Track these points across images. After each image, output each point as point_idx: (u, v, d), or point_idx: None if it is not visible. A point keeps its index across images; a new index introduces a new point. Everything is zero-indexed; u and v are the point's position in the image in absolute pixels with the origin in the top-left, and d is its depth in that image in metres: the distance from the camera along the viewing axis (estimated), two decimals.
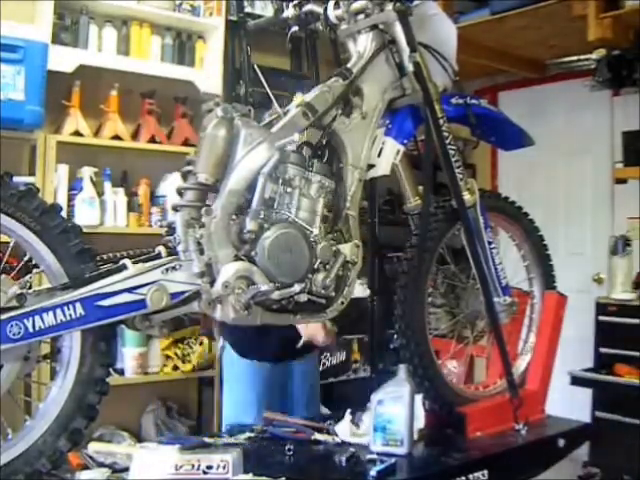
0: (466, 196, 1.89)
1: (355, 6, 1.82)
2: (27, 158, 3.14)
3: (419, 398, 1.78)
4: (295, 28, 1.99)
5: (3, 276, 1.44)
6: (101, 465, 1.66)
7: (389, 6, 1.80)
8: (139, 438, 3.21)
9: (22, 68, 2.83)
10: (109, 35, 3.31)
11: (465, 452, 1.75)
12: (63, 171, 3.11)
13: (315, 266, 1.63)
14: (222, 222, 1.54)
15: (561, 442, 1.94)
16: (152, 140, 3.36)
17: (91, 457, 1.70)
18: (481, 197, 1.93)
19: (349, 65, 1.79)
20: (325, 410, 2.98)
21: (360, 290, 3.10)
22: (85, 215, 3.09)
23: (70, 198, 3.11)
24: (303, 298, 1.62)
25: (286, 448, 1.69)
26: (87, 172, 3.16)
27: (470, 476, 1.66)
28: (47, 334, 1.42)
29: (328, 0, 1.86)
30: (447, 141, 1.85)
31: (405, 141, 1.84)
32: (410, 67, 1.80)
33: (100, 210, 3.17)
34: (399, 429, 1.68)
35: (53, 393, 1.49)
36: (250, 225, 1.56)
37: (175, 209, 1.58)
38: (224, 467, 1.47)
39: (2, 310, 1.38)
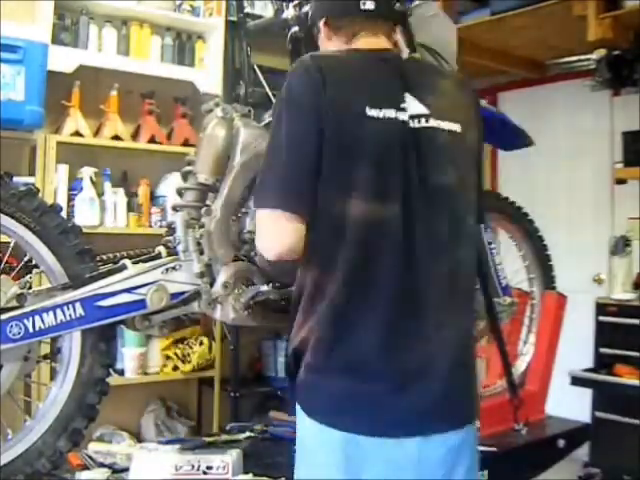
0: None
1: None
2: (27, 158, 3.13)
3: None
4: (295, 28, 1.98)
5: (3, 276, 1.44)
6: (101, 465, 1.66)
7: None
8: (139, 438, 3.21)
9: (22, 68, 2.83)
10: (109, 35, 3.30)
11: None
12: (63, 171, 3.10)
13: None
14: (222, 222, 1.54)
15: (561, 442, 1.94)
16: (152, 140, 3.35)
17: (91, 457, 1.70)
18: None
19: None
20: None
21: None
22: (85, 215, 3.09)
23: (70, 198, 3.11)
24: None
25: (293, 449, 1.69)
26: (87, 172, 3.15)
27: None
28: (47, 334, 1.42)
29: None
30: None
31: None
32: None
33: (100, 210, 3.16)
34: None
35: (53, 393, 1.49)
36: (250, 225, 1.56)
37: (175, 209, 1.58)
38: (224, 467, 1.47)
39: (2, 310, 1.38)
